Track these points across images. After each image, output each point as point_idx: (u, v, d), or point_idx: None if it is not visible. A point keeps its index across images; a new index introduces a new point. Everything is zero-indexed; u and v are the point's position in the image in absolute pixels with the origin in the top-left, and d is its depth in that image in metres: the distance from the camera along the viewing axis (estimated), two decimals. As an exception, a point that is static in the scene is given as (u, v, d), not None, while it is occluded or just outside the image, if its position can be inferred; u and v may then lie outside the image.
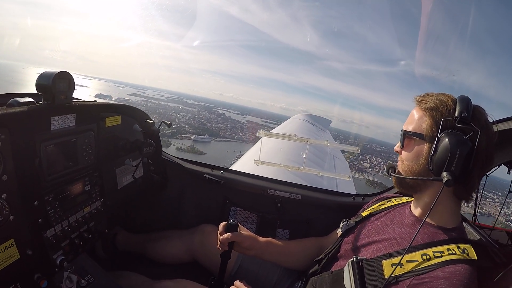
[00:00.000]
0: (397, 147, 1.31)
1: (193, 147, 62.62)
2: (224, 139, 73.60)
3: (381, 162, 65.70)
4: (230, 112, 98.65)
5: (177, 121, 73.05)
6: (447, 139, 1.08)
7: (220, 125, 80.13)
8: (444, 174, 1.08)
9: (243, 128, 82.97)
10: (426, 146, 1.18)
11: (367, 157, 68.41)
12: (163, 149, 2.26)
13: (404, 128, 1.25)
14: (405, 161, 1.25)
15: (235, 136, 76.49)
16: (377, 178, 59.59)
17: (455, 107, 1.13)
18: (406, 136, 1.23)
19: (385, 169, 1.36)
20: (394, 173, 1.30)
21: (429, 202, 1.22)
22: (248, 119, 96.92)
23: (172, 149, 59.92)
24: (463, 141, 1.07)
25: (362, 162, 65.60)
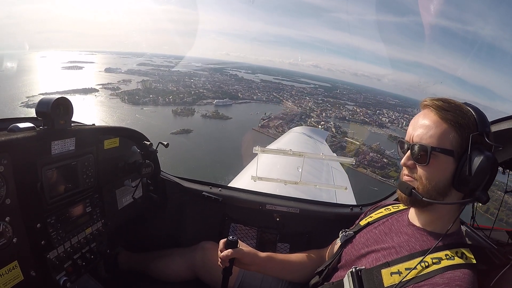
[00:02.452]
0: (408, 161, 1.19)
1: (218, 113, 61.37)
2: (244, 101, 73.20)
3: (399, 116, 64.89)
4: (241, 72, 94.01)
5: (193, 86, 72.67)
6: (483, 158, 1.04)
7: (236, 86, 78.83)
8: (481, 194, 1.07)
9: (259, 88, 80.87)
10: (453, 163, 1.11)
11: (384, 111, 67.82)
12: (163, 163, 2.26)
13: (424, 142, 1.13)
14: (425, 180, 1.15)
15: (254, 97, 75.19)
16: (398, 133, 58.72)
17: (476, 121, 1.10)
18: (433, 152, 1.11)
19: (406, 191, 1.18)
20: (416, 192, 1.16)
21: (435, 214, 1.21)
22: (260, 77, 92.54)
23: (198, 117, 59.07)
24: (495, 160, 1.05)
25: (380, 117, 65.16)
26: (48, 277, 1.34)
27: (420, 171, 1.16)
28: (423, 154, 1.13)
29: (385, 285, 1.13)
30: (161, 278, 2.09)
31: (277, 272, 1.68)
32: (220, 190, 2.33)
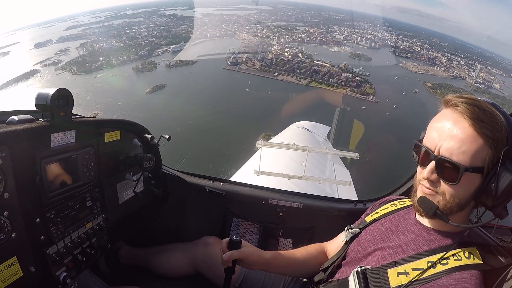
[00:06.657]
0: (431, 175, 1.10)
1: (181, 59, 58.96)
2: (199, 40, 71.15)
3: (350, 32, 66.96)
4: (177, 9, 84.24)
5: (139, 37, 66.35)
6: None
7: (182, 27, 73.26)
8: (502, 211, 1.04)
9: (206, 23, 79.35)
10: (479, 178, 1.05)
11: (335, 28, 69.31)
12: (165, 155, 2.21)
13: (456, 158, 1.03)
14: (449, 197, 1.08)
15: (207, 34, 74.16)
16: (357, 50, 60.88)
17: (510, 130, 1.02)
18: (465, 172, 1.02)
19: (429, 212, 1.12)
20: (441, 213, 1.11)
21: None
22: (200, 11, 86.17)
23: (162, 69, 55.72)
24: None
25: (334, 35, 66.63)
26: (48, 273, 1.32)
27: (445, 187, 1.08)
28: (453, 173, 1.04)
29: (392, 285, 1.12)
30: (162, 273, 2.07)
31: (281, 270, 1.66)
32: (222, 184, 2.31)
